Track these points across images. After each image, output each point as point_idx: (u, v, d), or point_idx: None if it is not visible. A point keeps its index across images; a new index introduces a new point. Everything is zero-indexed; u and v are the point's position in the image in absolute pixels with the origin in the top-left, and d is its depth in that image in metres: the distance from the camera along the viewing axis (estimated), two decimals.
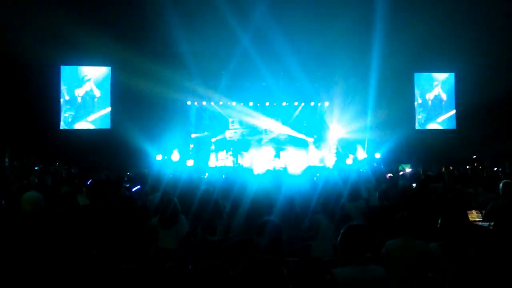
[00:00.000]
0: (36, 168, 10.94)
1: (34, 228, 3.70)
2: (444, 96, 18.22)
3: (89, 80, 16.19)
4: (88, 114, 16.20)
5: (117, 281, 3.74)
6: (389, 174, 9.52)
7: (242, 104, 17.11)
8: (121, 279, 3.75)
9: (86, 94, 16.17)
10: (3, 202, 4.79)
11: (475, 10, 14.58)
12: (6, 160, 11.29)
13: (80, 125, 16.10)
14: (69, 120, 16.10)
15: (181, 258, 4.61)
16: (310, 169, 10.08)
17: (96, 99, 16.27)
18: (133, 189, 7.32)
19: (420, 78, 18.17)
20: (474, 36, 15.06)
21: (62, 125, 15.96)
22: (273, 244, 3.30)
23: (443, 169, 11.26)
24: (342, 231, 2.94)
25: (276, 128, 17.23)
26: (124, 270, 3.86)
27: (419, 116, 18.11)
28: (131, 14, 14.36)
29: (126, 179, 9.34)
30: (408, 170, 12.12)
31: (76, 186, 6.48)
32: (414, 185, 7.83)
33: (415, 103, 18.06)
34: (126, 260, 4.27)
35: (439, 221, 3.76)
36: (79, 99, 16.11)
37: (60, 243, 3.73)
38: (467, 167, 13.04)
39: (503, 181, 5.83)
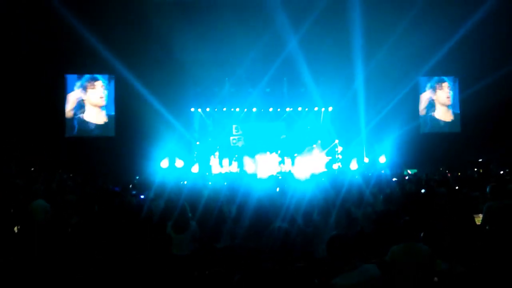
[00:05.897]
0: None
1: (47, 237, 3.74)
2: (448, 100, 18.19)
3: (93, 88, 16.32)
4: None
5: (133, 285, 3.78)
6: (394, 179, 9.49)
7: (245, 110, 17.15)
8: (136, 282, 3.78)
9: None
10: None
11: (479, 15, 14.59)
12: (13, 167, 11.37)
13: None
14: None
15: (192, 265, 4.69)
16: (315, 176, 10.05)
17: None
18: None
19: (424, 81, 18.16)
20: (478, 40, 15.07)
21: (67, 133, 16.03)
22: (283, 250, 3.28)
23: (448, 174, 11.21)
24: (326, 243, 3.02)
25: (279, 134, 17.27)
26: (139, 275, 3.89)
27: (424, 120, 18.07)
28: (134, 22, 14.47)
29: (131, 186, 9.35)
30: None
31: (92, 195, 6.52)
32: (423, 190, 7.78)
33: (419, 107, 18.04)
34: (141, 265, 4.31)
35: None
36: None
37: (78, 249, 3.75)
38: (475, 169, 12.96)
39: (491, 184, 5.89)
